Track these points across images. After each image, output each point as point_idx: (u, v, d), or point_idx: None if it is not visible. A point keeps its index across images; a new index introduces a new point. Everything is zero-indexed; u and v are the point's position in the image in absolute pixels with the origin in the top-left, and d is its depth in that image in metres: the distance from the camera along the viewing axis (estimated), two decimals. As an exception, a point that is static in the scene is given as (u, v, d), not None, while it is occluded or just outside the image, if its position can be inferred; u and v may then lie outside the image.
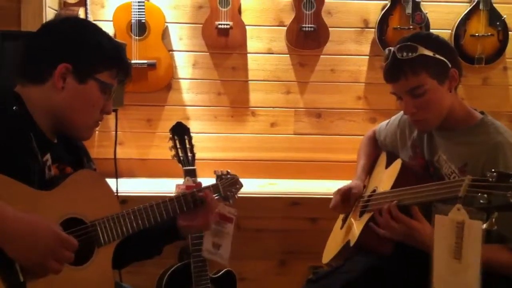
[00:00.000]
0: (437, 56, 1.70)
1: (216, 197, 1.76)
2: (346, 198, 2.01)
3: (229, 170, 1.91)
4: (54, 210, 1.38)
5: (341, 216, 2.15)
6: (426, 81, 1.70)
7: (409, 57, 1.68)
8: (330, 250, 2.11)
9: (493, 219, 1.30)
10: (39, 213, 1.31)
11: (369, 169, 2.14)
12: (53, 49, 1.45)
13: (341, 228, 2.09)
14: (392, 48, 1.73)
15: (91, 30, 1.52)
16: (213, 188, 1.76)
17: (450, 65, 1.73)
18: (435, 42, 1.75)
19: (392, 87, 1.77)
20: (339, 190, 2.04)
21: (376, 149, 2.19)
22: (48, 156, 1.45)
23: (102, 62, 1.47)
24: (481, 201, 1.30)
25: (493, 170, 1.31)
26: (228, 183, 1.83)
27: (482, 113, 1.81)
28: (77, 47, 1.46)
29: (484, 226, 1.30)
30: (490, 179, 1.30)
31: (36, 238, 1.24)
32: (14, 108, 1.39)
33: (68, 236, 1.31)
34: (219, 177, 1.87)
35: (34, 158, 1.38)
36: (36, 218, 1.27)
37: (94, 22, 3.17)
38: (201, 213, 1.66)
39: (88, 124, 1.52)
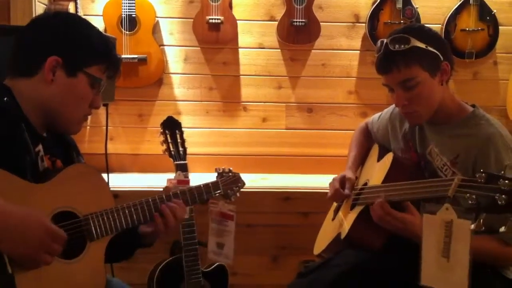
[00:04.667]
0: (430, 48, 1.70)
1: (217, 195, 1.77)
2: (343, 186, 2.01)
3: (231, 168, 1.90)
4: (47, 203, 1.37)
5: (333, 207, 2.15)
6: (418, 73, 1.70)
7: (402, 49, 1.68)
8: (321, 241, 2.11)
9: (481, 220, 1.30)
10: (31, 206, 1.31)
11: (360, 161, 2.14)
12: (43, 42, 1.45)
13: (333, 219, 2.10)
14: (384, 40, 1.73)
15: (81, 24, 1.52)
16: (213, 185, 1.76)
17: (442, 58, 1.73)
18: (428, 35, 1.75)
19: (384, 78, 1.77)
20: (334, 179, 2.04)
21: (368, 141, 2.19)
22: (40, 147, 1.45)
23: (91, 56, 1.48)
24: (470, 202, 1.30)
25: (482, 170, 1.31)
26: (229, 181, 1.82)
27: (473, 106, 1.82)
28: (67, 41, 1.46)
29: (472, 227, 1.30)
30: (479, 180, 1.29)
31: (25, 230, 1.24)
32: (5, 99, 1.39)
33: (58, 228, 1.30)
34: (220, 175, 1.85)
35: (26, 149, 1.38)
36: (26, 210, 1.26)
37: (84, 16, 3.15)
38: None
39: (76, 117, 1.52)
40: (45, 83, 1.43)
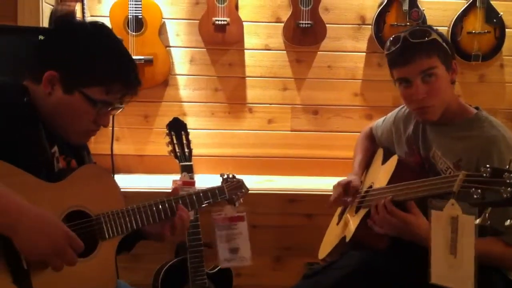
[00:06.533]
0: (444, 44, 1.75)
1: (222, 199, 1.80)
2: (346, 191, 2.02)
3: (234, 174, 1.93)
4: (60, 202, 1.39)
5: (338, 212, 2.15)
6: (438, 64, 1.73)
7: (424, 40, 1.72)
8: (326, 245, 2.11)
9: (486, 214, 1.31)
10: (44, 204, 1.33)
11: (366, 165, 2.14)
12: (49, 54, 1.46)
13: (338, 223, 2.10)
14: (401, 34, 1.76)
15: (96, 42, 1.47)
16: (219, 190, 1.78)
17: (452, 57, 1.78)
18: (441, 33, 1.79)
19: (401, 71, 1.76)
20: (339, 182, 2.04)
21: (373, 145, 2.19)
22: (55, 148, 1.47)
23: (90, 78, 1.44)
24: (475, 196, 1.30)
25: (487, 165, 1.31)
26: (233, 186, 1.85)
27: (477, 108, 1.82)
28: (69, 59, 1.44)
29: (478, 221, 1.30)
30: (484, 175, 1.30)
31: (42, 229, 1.25)
32: (25, 99, 1.40)
33: (76, 236, 1.32)
34: (224, 180, 1.88)
35: (43, 149, 1.40)
36: (48, 214, 1.28)
37: (91, 17, 3.17)
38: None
39: (76, 131, 1.50)
40: (45, 93, 1.43)
